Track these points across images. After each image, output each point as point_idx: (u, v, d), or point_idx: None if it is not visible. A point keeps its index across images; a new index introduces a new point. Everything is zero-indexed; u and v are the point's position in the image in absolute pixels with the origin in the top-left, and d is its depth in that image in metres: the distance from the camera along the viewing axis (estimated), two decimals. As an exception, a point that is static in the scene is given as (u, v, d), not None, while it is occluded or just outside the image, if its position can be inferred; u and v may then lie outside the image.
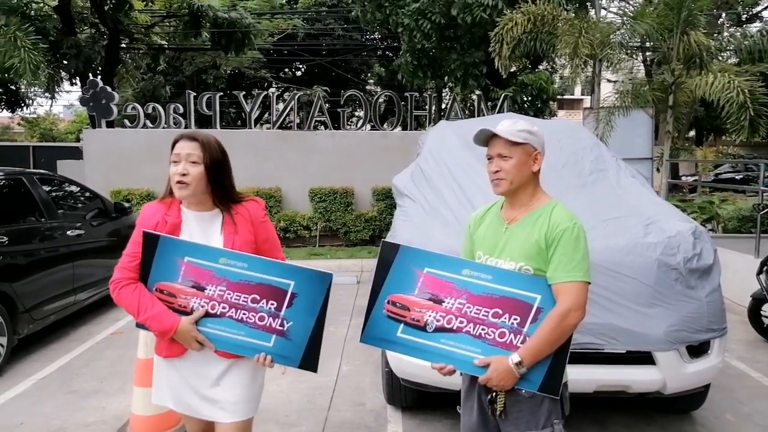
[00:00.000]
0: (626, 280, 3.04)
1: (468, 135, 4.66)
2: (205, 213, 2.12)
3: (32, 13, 11.91)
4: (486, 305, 1.93)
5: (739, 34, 9.29)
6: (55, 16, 13.00)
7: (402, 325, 2.00)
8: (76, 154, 11.95)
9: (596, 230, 3.19)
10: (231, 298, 2.00)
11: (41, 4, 12.74)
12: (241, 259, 2.00)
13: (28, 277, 4.84)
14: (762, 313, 5.22)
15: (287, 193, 9.95)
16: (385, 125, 10.74)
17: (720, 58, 9.08)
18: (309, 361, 2.05)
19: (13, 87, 14.93)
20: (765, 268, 5.01)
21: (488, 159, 2.07)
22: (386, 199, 9.76)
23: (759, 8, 25.87)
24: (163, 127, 10.06)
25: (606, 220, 3.47)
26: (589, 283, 1.92)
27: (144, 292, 2.03)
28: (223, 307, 2.01)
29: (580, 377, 2.88)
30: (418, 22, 11.91)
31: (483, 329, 1.94)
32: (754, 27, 22.64)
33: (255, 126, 11.25)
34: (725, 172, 23.04)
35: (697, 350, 3.14)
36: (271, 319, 2.01)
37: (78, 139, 19.97)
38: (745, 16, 25.54)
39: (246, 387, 2.14)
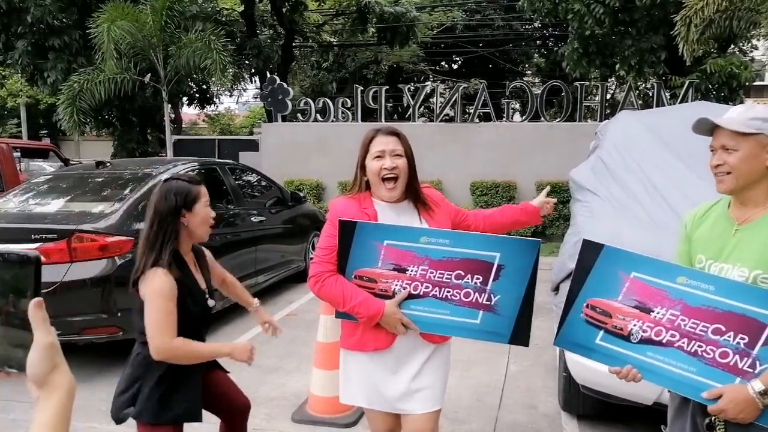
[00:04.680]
0: None
1: (658, 126, 4.30)
2: (400, 204, 2.15)
3: (223, 18, 13.16)
4: (705, 319, 1.69)
5: None
6: (241, 21, 14.26)
7: (602, 332, 1.83)
8: (252, 146, 13.02)
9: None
10: (434, 276, 1.95)
11: (230, 11, 14.02)
12: (442, 235, 1.94)
13: (220, 258, 5.30)
14: None
15: (448, 187, 9.95)
16: (541, 118, 10.27)
17: None
18: (520, 335, 1.98)
19: (204, 86, 16.68)
20: None
21: (711, 150, 1.80)
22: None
23: None
24: (332, 121, 10.57)
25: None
26: None
27: (345, 282, 2.03)
28: (426, 287, 1.96)
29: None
30: (591, 6, 11.21)
31: (700, 346, 1.70)
32: None
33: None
34: None
35: None
36: (477, 294, 1.94)
37: (251, 133, 21.80)
38: None
39: (444, 373, 2.18)
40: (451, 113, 11.32)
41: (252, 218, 6.01)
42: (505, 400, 3.89)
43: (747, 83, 12.01)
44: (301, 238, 7.00)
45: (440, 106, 10.82)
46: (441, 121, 10.87)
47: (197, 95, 18.04)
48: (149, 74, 11.15)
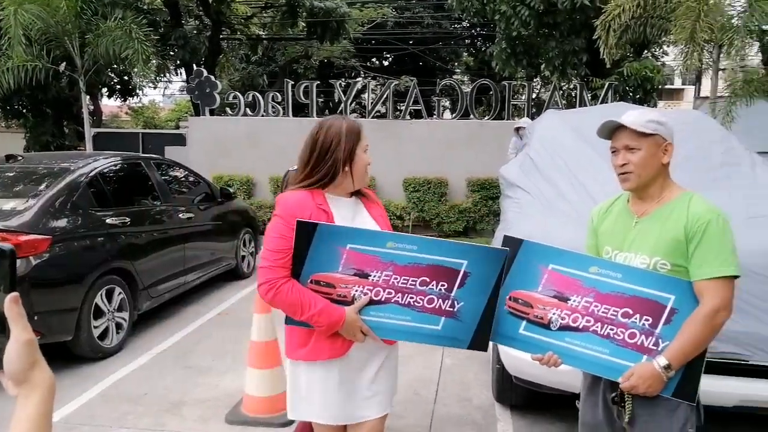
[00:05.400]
0: (776, 285, 2.76)
1: (583, 125, 4.47)
2: (350, 199, 2.07)
3: (145, 6, 12.58)
4: (615, 304, 1.85)
5: None
6: (165, 9, 13.70)
7: (525, 322, 1.95)
8: (179, 140, 12.57)
9: (739, 230, 2.92)
10: (398, 282, 1.89)
11: (153, -1, 13.44)
12: (410, 241, 1.89)
13: (146, 257, 5.11)
14: None
15: (381, 183, 9.99)
16: (471, 116, 10.50)
17: None
18: (479, 341, 1.97)
19: (126, 78, 15.92)
20: None
21: (613, 152, 1.97)
22: (481, 191, 9.59)
23: None
24: (262, 115, 10.36)
25: (748, 218, 3.17)
26: (738, 277, 1.80)
27: (302, 288, 1.88)
28: (389, 293, 1.90)
29: (719, 389, 2.66)
30: (516, 8, 11.55)
31: (611, 329, 1.86)
32: None
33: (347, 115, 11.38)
34: None
35: None
36: (441, 300, 1.91)
37: (177, 127, 21.03)
38: None
39: (396, 374, 2.15)
40: (383, 110, 11.37)
41: (179, 215, 5.80)
42: (441, 394, 3.95)
43: (659, 86, 12.74)
44: (231, 235, 6.82)
45: (372, 103, 10.83)
46: (373, 117, 10.89)
47: (118, 86, 17.22)
48: (64, 63, 10.50)
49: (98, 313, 4.45)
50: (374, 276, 1.89)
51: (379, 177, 9.95)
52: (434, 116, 10.99)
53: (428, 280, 1.89)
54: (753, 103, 8.09)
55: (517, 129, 8.03)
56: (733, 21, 8.09)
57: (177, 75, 18.94)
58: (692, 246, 1.81)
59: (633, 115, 1.93)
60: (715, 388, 2.57)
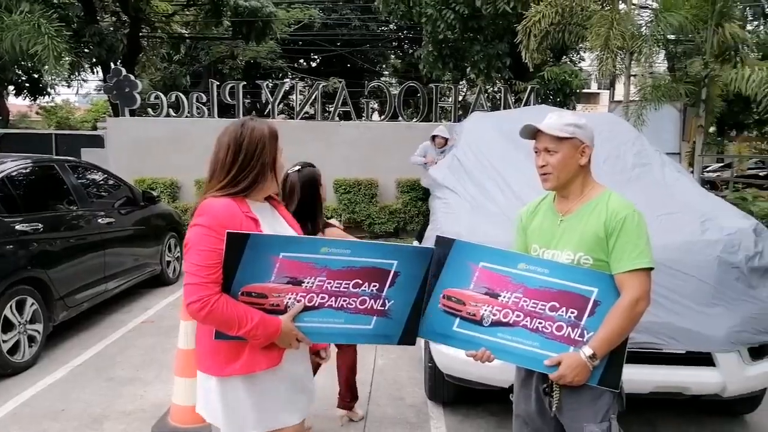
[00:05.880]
0: (686, 278, 2.95)
1: (507, 126, 4.61)
2: (265, 204, 2.02)
3: (55, 1, 11.89)
4: (543, 299, 1.93)
5: (763, 27, 9.11)
6: (78, 4, 12.99)
7: (458, 320, 2.00)
8: (96, 142, 11.95)
9: (650, 227, 3.10)
10: (331, 287, 1.89)
11: (64, -8, 12.74)
12: (344, 246, 1.91)
13: (62, 264, 4.82)
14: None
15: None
16: (399, 117, 10.63)
17: (753, 51, 8.91)
18: (408, 336, 2.04)
19: (35, 75, 14.97)
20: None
21: (536, 152, 2.08)
22: (411, 191, 9.70)
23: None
24: (187, 116, 10.03)
25: (659, 216, 3.37)
26: (653, 269, 1.91)
27: (235, 303, 1.80)
28: (322, 298, 1.90)
29: (637, 377, 2.81)
30: (442, 12, 11.78)
31: (540, 323, 1.94)
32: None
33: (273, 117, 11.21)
34: (749, 168, 22.70)
35: (758, 352, 3.06)
36: (372, 301, 1.95)
37: (94, 128, 20.04)
38: (769, 9, 24.94)
39: (311, 370, 2.15)
40: (312, 111, 11.28)
41: (98, 220, 5.51)
42: (374, 394, 3.96)
43: (578, 90, 13.35)
44: (156, 240, 6.56)
45: (300, 104, 10.72)
46: (302, 118, 10.78)
47: (27, 84, 16.16)
48: (-36, 58, 9.78)
49: (8, 326, 4.16)
50: (308, 282, 1.87)
51: (308, 179, 9.86)
52: (363, 118, 11.02)
53: (361, 282, 1.92)
54: (660, 107, 8.63)
55: (434, 137, 8.19)
56: (642, 30, 8.60)
57: (93, 73, 18.01)
58: (611, 241, 1.91)
59: (552, 119, 2.03)
60: (633, 376, 2.71)
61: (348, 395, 3.54)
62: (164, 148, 9.77)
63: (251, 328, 1.78)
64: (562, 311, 1.92)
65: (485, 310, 1.96)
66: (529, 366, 2.01)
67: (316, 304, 1.90)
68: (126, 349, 4.76)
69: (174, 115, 10.18)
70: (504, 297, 1.95)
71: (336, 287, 1.90)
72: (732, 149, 22.95)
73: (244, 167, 1.87)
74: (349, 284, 1.91)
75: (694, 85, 8.62)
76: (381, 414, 3.68)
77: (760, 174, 21.52)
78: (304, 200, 3.02)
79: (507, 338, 1.96)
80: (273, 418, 1.96)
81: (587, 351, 1.88)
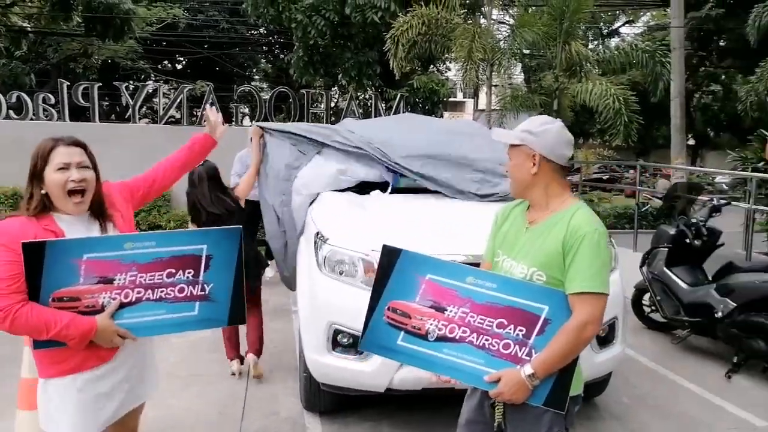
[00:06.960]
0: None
1: (375, 132, 4.68)
2: (83, 216, 2.03)
3: None
4: (490, 315, 1.85)
5: (601, 47, 10.17)
6: None
7: (403, 333, 1.92)
8: None
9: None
10: (144, 280, 1.94)
11: None
12: (148, 238, 1.94)
13: None
14: (643, 302, 5.69)
15: (177, 194, 9.37)
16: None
17: (594, 67, 9.87)
18: (236, 316, 2.07)
19: None
20: (647, 261, 5.45)
21: None
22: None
23: (617, 25, 28.47)
24: (31, 119, 9.07)
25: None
26: (607, 295, 1.82)
27: (42, 308, 1.85)
28: (138, 292, 1.95)
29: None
30: (312, 18, 11.76)
31: (487, 340, 1.86)
32: (613, 41, 24.93)
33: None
34: (593, 173, 25.18)
35: (604, 340, 3.34)
36: (191, 287, 1.99)
37: None
38: (606, 31, 27.93)
39: (153, 357, 2.27)
40: (177, 115, 10.70)
41: None
42: (248, 410, 3.79)
43: (445, 98, 13.95)
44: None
45: (164, 108, 10.12)
46: (166, 123, 10.19)
47: None
48: None
49: None
50: (119, 279, 1.92)
51: (174, 187, 9.33)
52: (233, 123, 10.67)
53: (174, 271, 1.97)
54: (518, 116, 9.27)
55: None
56: (501, 44, 9.18)
57: None
58: (568, 259, 1.81)
59: (521, 125, 1.98)
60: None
61: (257, 342, 4.16)
62: (4, 154, 8.72)
63: (61, 329, 1.84)
64: (510, 328, 1.84)
65: (431, 325, 1.88)
66: (473, 384, 1.95)
67: (133, 300, 1.95)
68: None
69: (16, 117, 9.17)
70: (450, 311, 1.87)
71: (149, 280, 1.94)
72: (579, 155, 25.30)
73: (30, 187, 1.97)
74: (162, 275, 1.95)
75: (547, 97, 9.36)
76: (256, 429, 3.54)
77: (604, 178, 23.98)
78: (213, 182, 4.12)
79: (453, 354, 1.88)
80: (107, 415, 2.04)
81: (527, 370, 1.80)
